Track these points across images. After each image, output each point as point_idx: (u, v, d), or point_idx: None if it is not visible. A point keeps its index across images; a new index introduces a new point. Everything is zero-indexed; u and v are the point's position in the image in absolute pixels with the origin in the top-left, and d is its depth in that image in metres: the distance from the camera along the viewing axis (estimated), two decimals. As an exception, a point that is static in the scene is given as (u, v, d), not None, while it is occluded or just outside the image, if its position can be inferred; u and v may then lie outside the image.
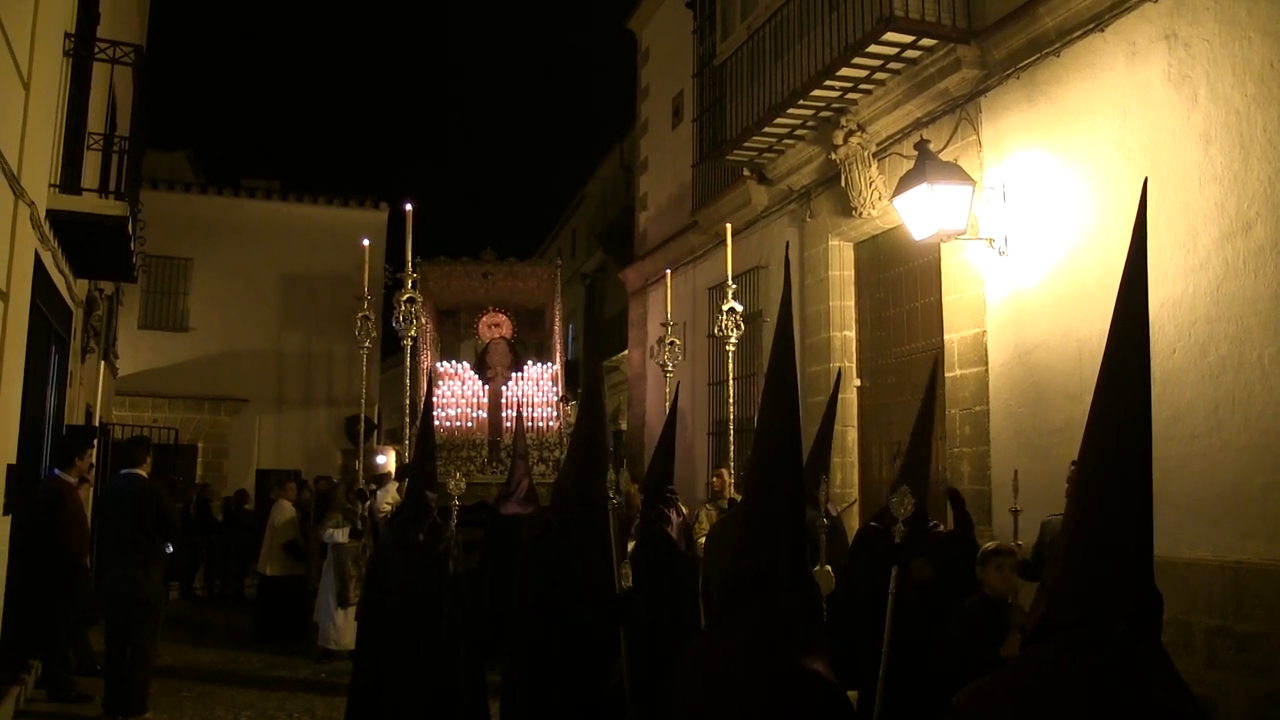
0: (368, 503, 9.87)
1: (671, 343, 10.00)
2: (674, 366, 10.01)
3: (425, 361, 9.14)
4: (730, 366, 9.44)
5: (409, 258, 8.66)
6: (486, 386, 12.56)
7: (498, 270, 13.70)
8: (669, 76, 16.09)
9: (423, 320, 8.73)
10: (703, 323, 13.74)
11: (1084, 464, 2.88)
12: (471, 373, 13.07)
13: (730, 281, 9.28)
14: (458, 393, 12.33)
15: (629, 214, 19.06)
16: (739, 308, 9.19)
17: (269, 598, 12.82)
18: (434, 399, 9.06)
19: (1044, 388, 7.81)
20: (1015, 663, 2.99)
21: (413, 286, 8.68)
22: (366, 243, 9.78)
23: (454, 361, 13.59)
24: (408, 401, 9.14)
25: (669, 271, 11.04)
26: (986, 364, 8.46)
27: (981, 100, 8.70)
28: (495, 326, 14.34)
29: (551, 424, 12.30)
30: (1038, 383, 7.87)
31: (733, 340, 9.19)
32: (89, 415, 14.21)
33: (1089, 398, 6.79)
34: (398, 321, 8.68)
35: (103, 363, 15.64)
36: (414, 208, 8.73)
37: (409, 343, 8.85)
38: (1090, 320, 7.35)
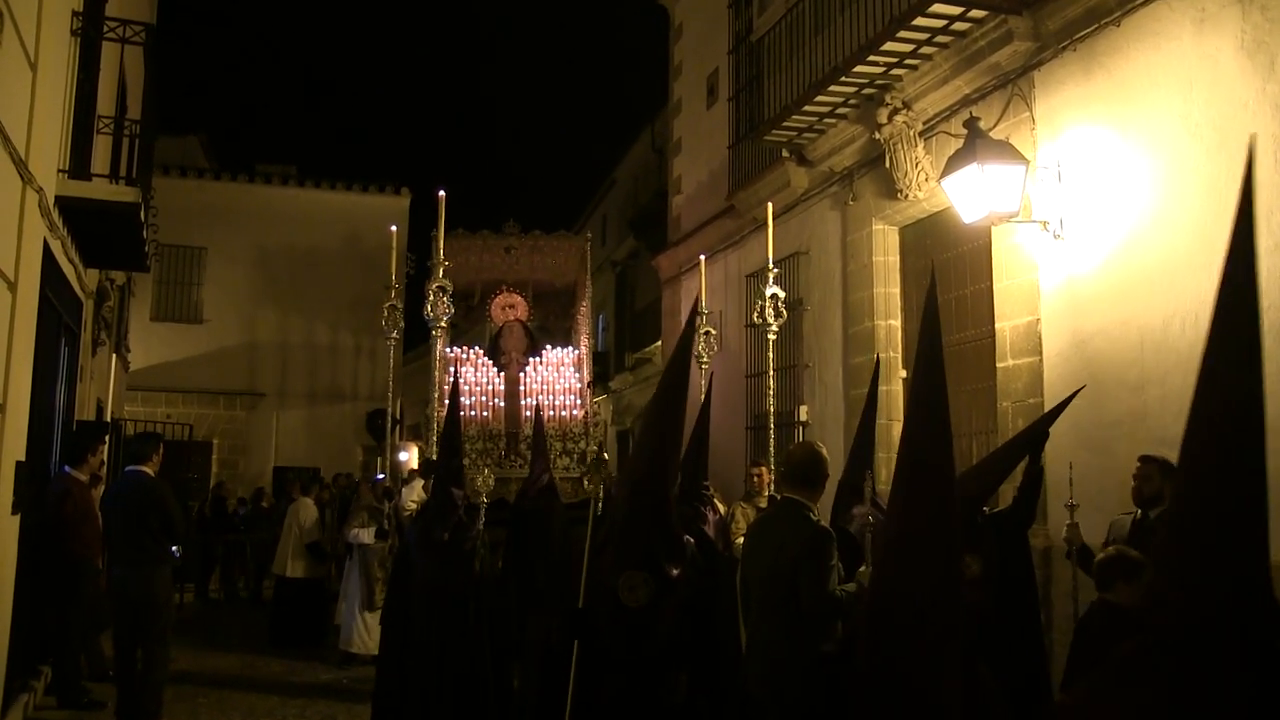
0: (393, 501, 9.91)
1: (707, 332, 9.95)
2: (709, 358, 9.97)
3: (440, 345, 9.03)
4: (770, 357, 9.36)
5: (440, 245, 8.56)
6: (502, 374, 12.38)
7: (521, 244, 13.39)
8: (703, 53, 16.00)
9: (451, 308, 8.61)
10: (740, 312, 13.70)
11: (1188, 458, 2.73)
12: (485, 359, 12.85)
13: (771, 265, 9.15)
14: (472, 380, 12.16)
15: (661, 198, 18.99)
16: (780, 293, 9.07)
17: (286, 600, 12.89)
18: (444, 387, 8.98)
19: (1102, 378, 7.71)
20: (1115, 666, 2.86)
21: (444, 275, 8.57)
22: (394, 229, 9.71)
23: (464, 348, 13.30)
24: (436, 395, 9.07)
25: (704, 258, 11.00)
26: (1040, 354, 8.37)
27: (1035, 74, 8.59)
28: (510, 308, 14.00)
29: (575, 413, 12.13)
30: (1095, 373, 7.77)
31: (774, 328, 9.09)
32: (100, 411, 14.33)
33: (1151, 389, 6.73)
34: (429, 312, 8.58)
35: (114, 356, 15.77)
36: (438, 201, 8.64)
37: (439, 333, 8.77)
38: (1152, 307, 7.27)
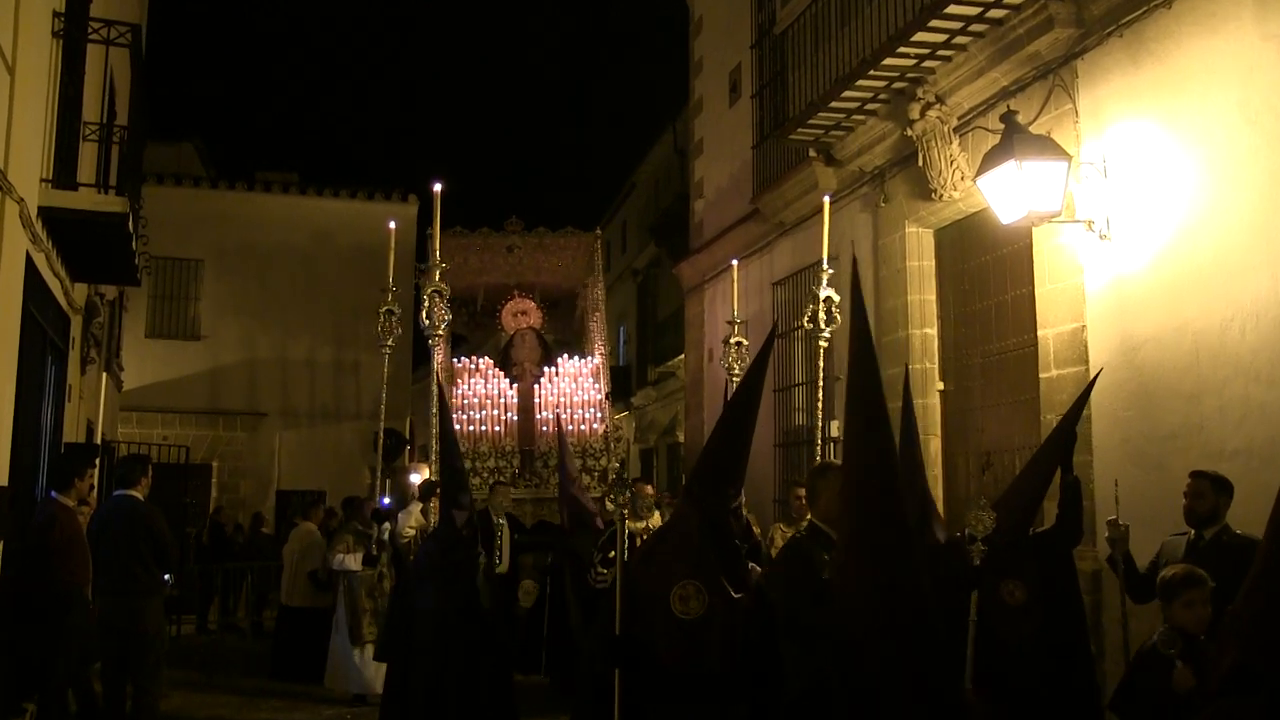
0: (384, 525, 9.74)
1: (739, 343, 9.79)
2: (740, 370, 9.79)
3: (439, 356, 8.77)
4: (810, 368, 9.12)
5: (436, 244, 8.39)
6: (515, 385, 12.19)
7: (525, 243, 13.12)
8: (724, 48, 15.97)
9: (448, 313, 8.32)
10: (765, 322, 13.60)
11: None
12: (495, 369, 12.64)
13: (825, 265, 8.77)
14: (482, 393, 12.00)
15: (683, 203, 18.97)
16: (835, 296, 8.67)
17: (288, 631, 12.80)
18: (450, 401, 8.84)
19: (1154, 389, 7.61)
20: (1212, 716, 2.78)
21: (440, 279, 8.33)
22: (393, 225, 9.53)
23: (471, 358, 13.09)
24: (435, 410, 8.84)
25: (735, 263, 10.88)
26: (1086, 363, 8.26)
27: (1078, 64, 8.49)
28: (522, 315, 13.80)
29: (595, 427, 12.01)
30: (1146, 383, 7.68)
31: (826, 334, 8.70)
32: (90, 432, 14.34)
33: (1208, 399, 6.62)
34: (425, 319, 8.34)
35: (105, 374, 15.78)
36: (443, 203, 8.47)
37: (437, 341, 8.51)
38: (1208, 310, 7.15)
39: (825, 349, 8.84)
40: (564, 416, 11.79)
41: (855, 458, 4.47)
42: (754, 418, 5.66)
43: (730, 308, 10.34)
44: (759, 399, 5.61)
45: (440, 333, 8.47)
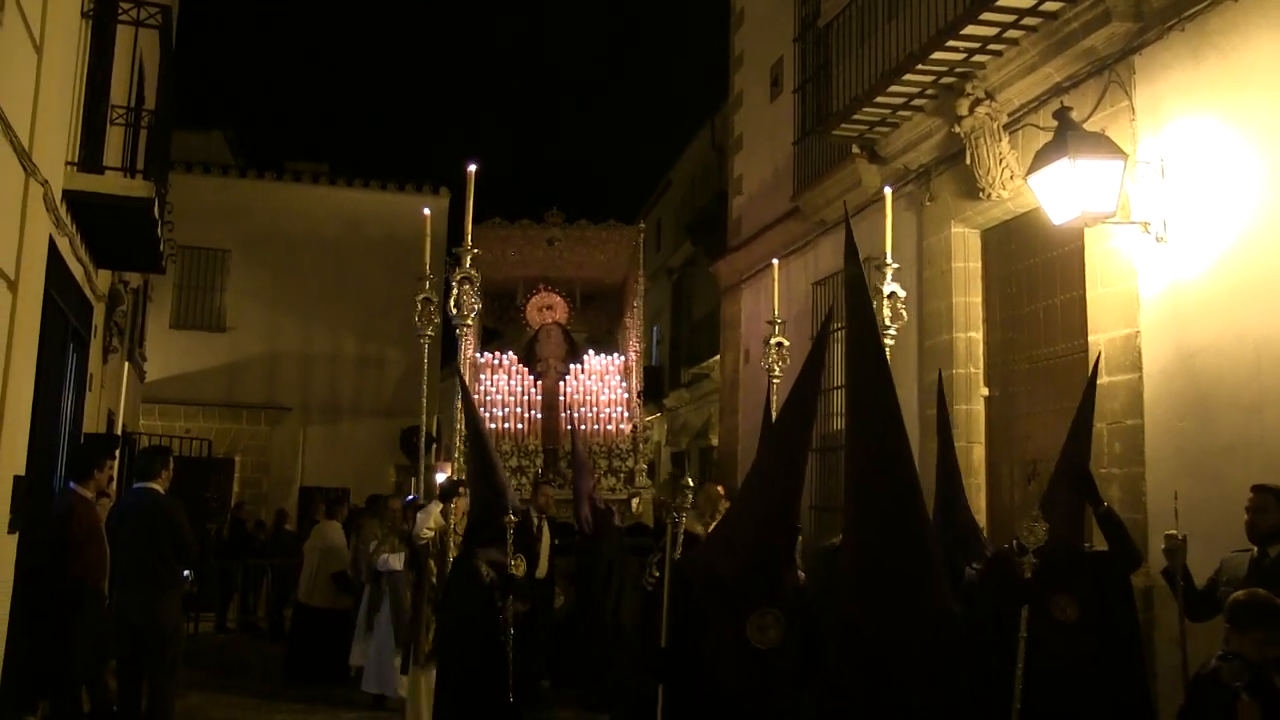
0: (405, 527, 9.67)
1: (779, 344, 9.60)
2: (781, 371, 9.56)
3: (467, 350, 8.58)
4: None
5: (469, 226, 8.12)
6: (539, 382, 12.05)
7: (566, 236, 13.00)
8: (766, 42, 15.93)
9: (477, 302, 8.04)
10: (805, 324, 13.51)
11: None
12: (519, 365, 12.50)
13: (889, 259, 8.35)
14: (505, 390, 11.89)
15: (721, 200, 18.94)
16: (900, 292, 8.30)
17: (304, 630, 12.74)
18: (474, 396, 8.69)
19: (1212, 398, 7.46)
20: None
21: (472, 266, 8.05)
22: (427, 212, 9.37)
23: (495, 352, 12.94)
24: (460, 405, 8.65)
25: (775, 262, 10.74)
26: (1140, 370, 8.14)
27: (1135, 59, 8.35)
28: (548, 310, 13.67)
29: (622, 427, 11.88)
30: (1204, 392, 7.53)
31: (893, 332, 8.23)
32: (111, 423, 14.37)
33: (1270, 411, 6.48)
34: (453, 307, 8.04)
35: (127, 364, 15.84)
36: (476, 196, 8.26)
37: (465, 332, 8.33)
38: (1270, 318, 7.00)
39: (892, 345, 8.25)
40: (588, 415, 11.67)
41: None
42: (810, 425, 5.45)
43: (770, 307, 10.19)
44: (814, 404, 5.43)
45: (470, 323, 8.25)
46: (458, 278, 8.01)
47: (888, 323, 8.11)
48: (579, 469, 11.11)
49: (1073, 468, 6.31)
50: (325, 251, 23.31)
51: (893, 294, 8.14)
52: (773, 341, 9.49)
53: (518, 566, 7.29)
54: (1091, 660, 5.15)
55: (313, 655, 12.51)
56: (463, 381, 8.06)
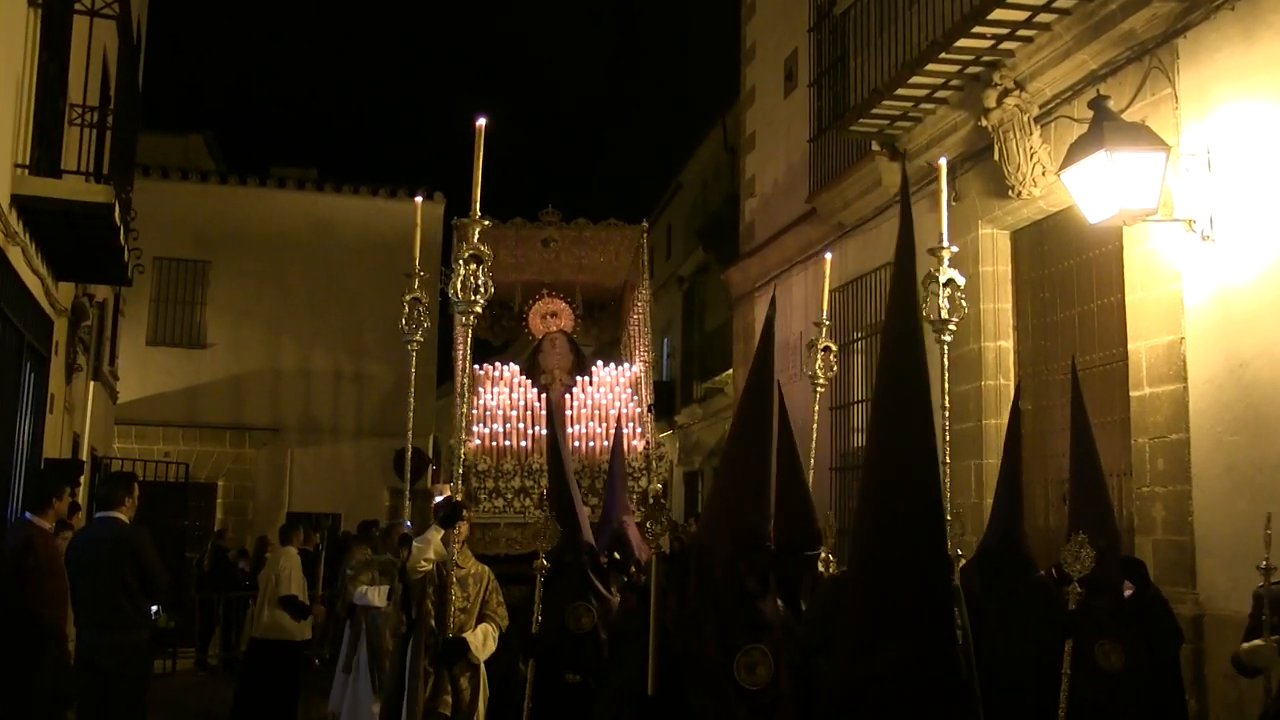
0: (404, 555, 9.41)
1: (826, 348, 9.03)
2: (827, 379, 9.10)
3: (462, 346, 8.19)
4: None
5: (476, 195, 7.02)
6: (543, 395, 11.85)
7: (563, 236, 12.88)
8: (779, 33, 15.96)
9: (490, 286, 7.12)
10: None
11: None
12: (521, 377, 12.35)
13: (945, 242, 7.40)
14: (506, 404, 11.73)
15: (733, 204, 18.91)
16: (959, 279, 7.28)
17: (256, 667, 12.22)
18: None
19: (1265, 410, 7.34)
20: None
21: (478, 239, 6.94)
22: (419, 200, 9.04)
23: (494, 364, 12.77)
24: (461, 413, 7.93)
25: (829, 256, 10.37)
26: (1185, 380, 8.05)
27: (1179, 42, 8.25)
28: (552, 317, 13.55)
29: (635, 443, 11.68)
30: (1256, 404, 7.41)
31: (952, 327, 7.37)
32: (76, 447, 14.25)
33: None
34: (455, 290, 6.93)
35: (93, 384, 15.69)
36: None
37: (468, 321, 7.19)
38: (1330, 324, 6.87)
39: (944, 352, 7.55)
40: (596, 431, 11.49)
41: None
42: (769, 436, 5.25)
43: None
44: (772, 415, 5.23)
45: (478, 309, 7.13)
46: (465, 254, 6.97)
47: (944, 315, 7.30)
48: (614, 486, 10.43)
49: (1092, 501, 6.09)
50: (313, 262, 23.24)
51: (950, 281, 7.27)
52: (817, 345, 9.02)
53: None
54: (1129, 713, 4.94)
55: (257, 690, 12.08)
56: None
